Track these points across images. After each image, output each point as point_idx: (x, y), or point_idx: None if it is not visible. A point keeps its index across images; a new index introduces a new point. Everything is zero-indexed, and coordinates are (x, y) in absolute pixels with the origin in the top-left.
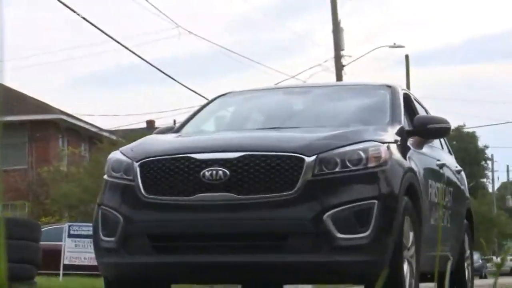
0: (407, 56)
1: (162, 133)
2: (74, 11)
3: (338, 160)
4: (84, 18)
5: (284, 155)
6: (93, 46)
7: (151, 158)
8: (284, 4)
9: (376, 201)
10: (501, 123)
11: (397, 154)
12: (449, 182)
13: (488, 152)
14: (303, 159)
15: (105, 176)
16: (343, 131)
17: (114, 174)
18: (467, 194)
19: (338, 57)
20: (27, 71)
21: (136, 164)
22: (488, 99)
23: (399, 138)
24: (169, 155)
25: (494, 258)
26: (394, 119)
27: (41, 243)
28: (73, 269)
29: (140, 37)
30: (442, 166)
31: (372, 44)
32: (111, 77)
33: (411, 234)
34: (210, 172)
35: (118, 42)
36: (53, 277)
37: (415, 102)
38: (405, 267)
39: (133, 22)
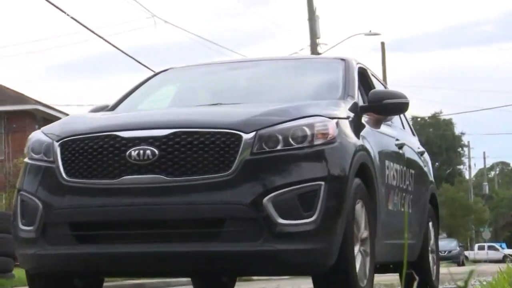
0: (383, 44)
1: (96, 111)
2: (64, 11)
3: (280, 137)
4: (58, 8)
5: (219, 131)
6: (68, 36)
7: (72, 137)
8: None
9: (322, 183)
10: (477, 110)
11: (347, 131)
12: (409, 163)
13: (465, 139)
14: (240, 136)
15: (26, 159)
16: (286, 106)
17: (34, 156)
18: (431, 178)
19: (314, 45)
20: (2, 62)
21: (56, 144)
22: (464, 86)
23: (352, 115)
24: (92, 133)
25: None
26: (346, 94)
27: None
28: None
29: (115, 26)
30: (401, 146)
31: (348, 32)
32: (87, 66)
33: (364, 220)
34: (136, 151)
35: (93, 32)
36: None
37: (372, 77)
38: (358, 256)
39: (108, 11)
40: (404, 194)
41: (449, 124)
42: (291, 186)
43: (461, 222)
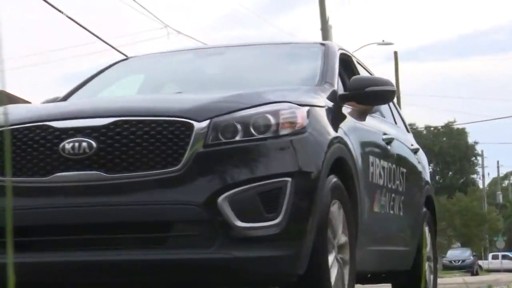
0: (396, 53)
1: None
2: (60, 11)
3: (239, 126)
4: (70, 18)
5: (166, 120)
6: (81, 47)
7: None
8: (272, 0)
9: (289, 179)
10: (491, 119)
11: (321, 121)
12: (400, 161)
13: (478, 148)
14: (191, 125)
15: None
16: (248, 91)
17: None
18: (427, 178)
19: None
20: (17, 73)
21: None
22: (478, 95)
23: (329, 103)
24: (21, 124)
25: None
26: (324, 81)
27: None
28: None
29: (129, 37)
30: (390, 141)
31: (361, 41)
32: None
33: (343, 224)
34: (71, 144)
35: (106, 42)
36: None
37: (357, 65)
38: (334, 265)
39: (121, 22)
40: (393, 195)
41: (462, 133)
42: (252, 183)
43: (475, 231)
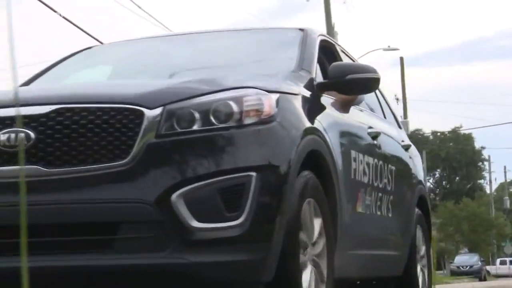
0: (401, 58)
1: None
2: (55, 11)
3: (197, 114)
4: (65, 18)
5: (114, 107)
6: None
7: None
8: (277, 7)
9: (253, 174)
10: (497, 124)
11: (294, 110)
12: (388, 158)
13: (485, 153)
14: (141, 113)
15: None
16: (209, 76)
17: None
18: (420, 177)
19: None
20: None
21: None
22: (484, 100)
23: (305, 92)
24: None
25: None
26: (300, 68)
27: None
28: None
29: None
30: (376, 135)
31: (367, 47)
32: None
33: (319, 225)
34: (6, 135)
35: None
36: None
37: (341, 53)
38: (307, 271)
39: (127, 29)
40: (380, 194)
41: (469, 138)
42: (211, 178)
43: (483, 237)
